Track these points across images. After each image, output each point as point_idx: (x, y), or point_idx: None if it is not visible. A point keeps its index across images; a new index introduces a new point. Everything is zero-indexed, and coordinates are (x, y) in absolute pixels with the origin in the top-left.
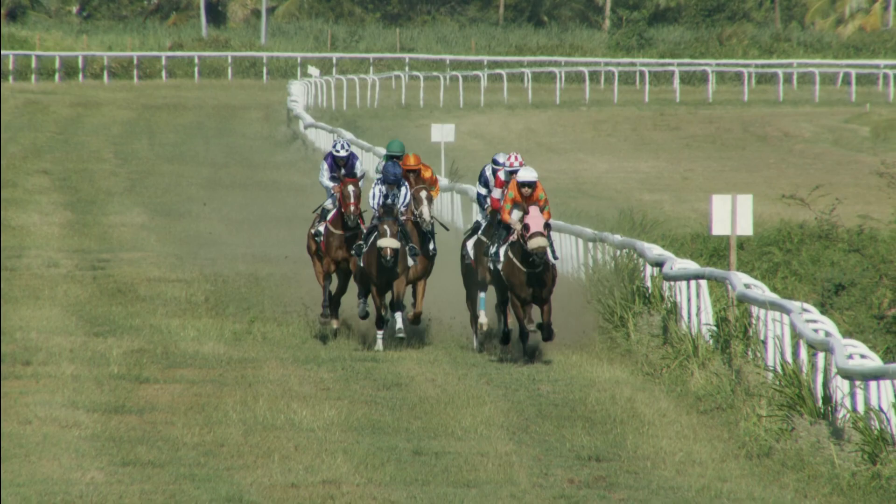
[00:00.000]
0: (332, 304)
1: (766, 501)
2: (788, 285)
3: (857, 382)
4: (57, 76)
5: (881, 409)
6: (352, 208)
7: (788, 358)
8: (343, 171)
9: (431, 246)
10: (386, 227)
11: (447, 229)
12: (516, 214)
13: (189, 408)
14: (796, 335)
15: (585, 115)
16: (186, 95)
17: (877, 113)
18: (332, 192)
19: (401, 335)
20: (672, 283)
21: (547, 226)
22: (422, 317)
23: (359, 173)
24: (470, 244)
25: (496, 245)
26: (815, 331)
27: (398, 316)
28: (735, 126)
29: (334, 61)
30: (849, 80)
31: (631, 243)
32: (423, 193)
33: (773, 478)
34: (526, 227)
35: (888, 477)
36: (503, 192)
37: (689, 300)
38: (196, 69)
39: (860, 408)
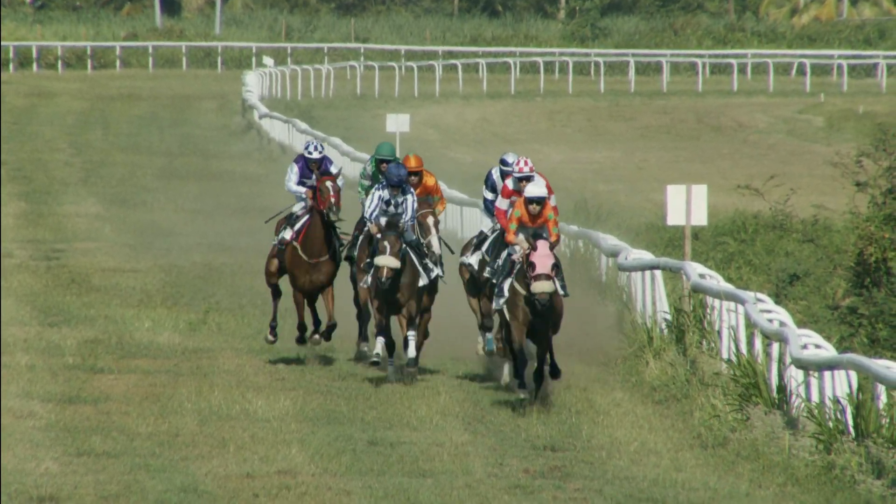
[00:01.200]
0: (328, 329)
1: (721, 491)
2: (743, 275)
3: (812, 372)
4: (11, 66)
5: (836, 399)
6: (332, 199)
7: (743, 348)
8: (314, 176)
9: (434, 274)
10: (386, 243)
11: (452, 252)
12: (523, 236)
13: (144, 398)
14: (751, 325)
15: (540, 106)
16: (141, 86)
17: (831, 103)
18: (303, 196)
19: (412, 369)
20: (627, 273)
21: (556, 266)
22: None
23: (334, 169)
24: (474, 259)
25: (500, 278)
26: (770, 321)
27: (412, 343)
28: (689, 116)
29: (289, 51)
30: (803, 71)
31: (586, 233)
32: (431, 220)
33: (728, 468)
34: (531, 266)
35: (842, 467)
36: (510, 207)
37: (643, 290)
38: (150, 59)
39: (815, 398)
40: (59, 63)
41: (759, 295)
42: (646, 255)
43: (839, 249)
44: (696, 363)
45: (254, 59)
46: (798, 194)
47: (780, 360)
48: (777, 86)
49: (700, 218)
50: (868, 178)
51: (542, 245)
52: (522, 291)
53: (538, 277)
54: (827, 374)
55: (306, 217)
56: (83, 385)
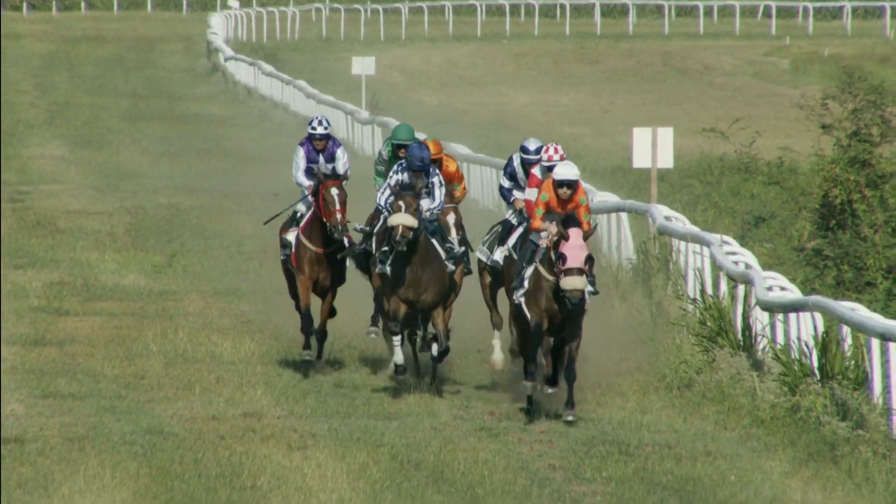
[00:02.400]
0: (319, 333)
1: (687, 433)
2: (709, 218)
3: (777, 314)
4: None
5: (801, 341)
6: (338, 216)
7: (709, 290)
8: (322, 157)
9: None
10: (401, 202)
11: (472, 250)
12: (550, 221)
13: (109, 340)
14: (717, 268)
15: (506, 48)
16: (106, 28)
17: (797, 46)
18: (306, 192)
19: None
20: (593, 215)
21: (589, 259)
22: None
23: (342, 167)
24: (499, 255)
25: (520, 271)
26: (736, 263)
27: (436, 355)
28: (656, 59)
29: None
30: (769, 13)
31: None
32: (452, 218)
33: (694, 409)
34: (562, 258)
35: (807, 408)
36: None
37: (609, 233)
38: (115, 1)
39: (780, 340)
40: (24, 5)
41: (725, 237)
42: (611, 198)
43: (804, 192)
44: (662, 306)
45: (219, 1)
46: (763, 137)
47: (746, 303)
48: (743, 28)
49: (666, 160)
50: (833, 121)
51: (576, 234)
52: (549, 277)
53: (570, 272)
54: (792, 316)
55: (310, 213)
56: (49, 327)
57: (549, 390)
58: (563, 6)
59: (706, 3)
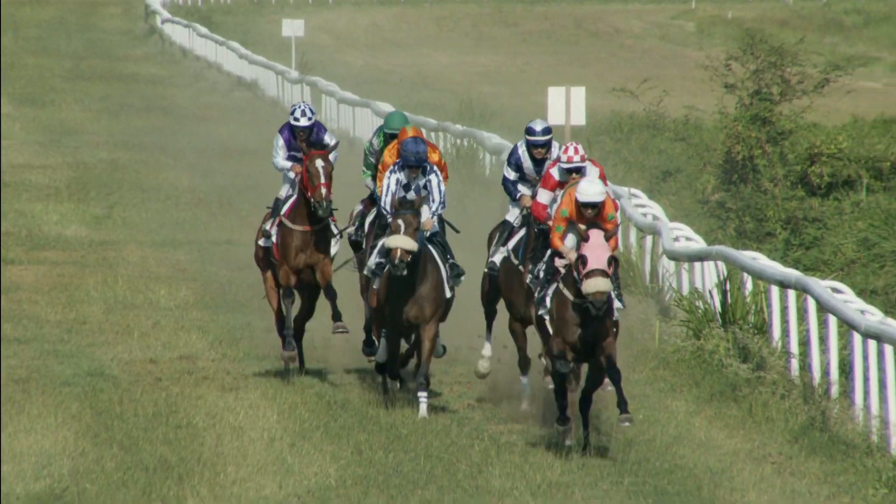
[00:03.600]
0: (295, 332)
1: None
2: (619, 172)
3: (683, 263)
4: None
5: (705, 289)
6: (322, 190)
7: (619, 240)
8: (305, 146)
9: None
10: (400, 221)
11: (458, 231)
12: (571, 241)
13: (52, 288)
14: (626, 219)
15: (428, 12)
16: None
17: (702, 9)
18: (290, 172)
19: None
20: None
21: (613, 260)
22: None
23: (331, 142)
24: (498, 258)
25: (541, 288)
26: (644, 215)
27: (422, 398)
28: (568, 22)
29: None
30: None
31: (471, 133)
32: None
33: None
34: (583, 260)
35: (711, 352)
36: (553, 203)
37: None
38: None
39: (685, 287)
40: None
41: (634, 190)
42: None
43: (709, 148)
44: None
45: None
46: (670, 96)
47: (654, 252)
48: None
49: (579, 118)
50: (736, 81)
51: (596, 235)
52: (570, 297)
53: (591, 274)
54: (697, 265)
55: (294, 196)
56: None
57: (561, 428)
58: None
59: None
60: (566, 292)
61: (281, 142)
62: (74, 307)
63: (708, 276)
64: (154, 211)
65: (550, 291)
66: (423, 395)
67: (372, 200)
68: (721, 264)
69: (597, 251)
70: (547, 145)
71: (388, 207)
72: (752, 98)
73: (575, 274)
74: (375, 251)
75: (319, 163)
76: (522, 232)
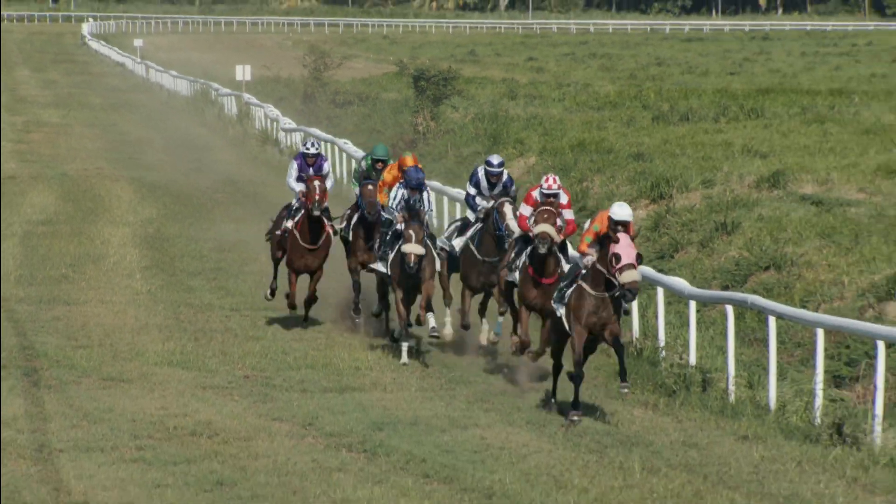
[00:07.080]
0: (308, 301)
1: None
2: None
3: None
4: None
5: None
6: (317, 197)
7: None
8: (311, 170)
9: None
10: (412, 231)
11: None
12: (593, 250)
13: None
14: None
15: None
16: None
17: None
18: (298, 196)
19: (435, 334)
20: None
21: (639, 256)
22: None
23: (326, 171)
24: (457, 243)
25: (560, 290)
26: None
27: (430, 316)
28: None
29: None
30: None
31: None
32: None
33: None
34: (616, 258)
35: None
36: (532, 217)
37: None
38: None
39: None
40: None
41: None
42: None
43: None
44: None
45: None
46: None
47: None
48: None
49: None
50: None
51: (624, 236)
52: (591, 291)
53: (625, 268)
54: None
55: (302, 211)
56: None
57: (576, 417)
58: None
59: None
60: (586, 287)
61: (295, 165)
62: None
63: None
64: None
65: (570, 290)
66: (429, 315)
67: (357, 205)
68: None
69: (627, 249)
70: (500, 174)
71: (394, 206)
72: None
73: (606, 268)
74: (392, 253)
75: (316, 183)
76: (479, 226)
